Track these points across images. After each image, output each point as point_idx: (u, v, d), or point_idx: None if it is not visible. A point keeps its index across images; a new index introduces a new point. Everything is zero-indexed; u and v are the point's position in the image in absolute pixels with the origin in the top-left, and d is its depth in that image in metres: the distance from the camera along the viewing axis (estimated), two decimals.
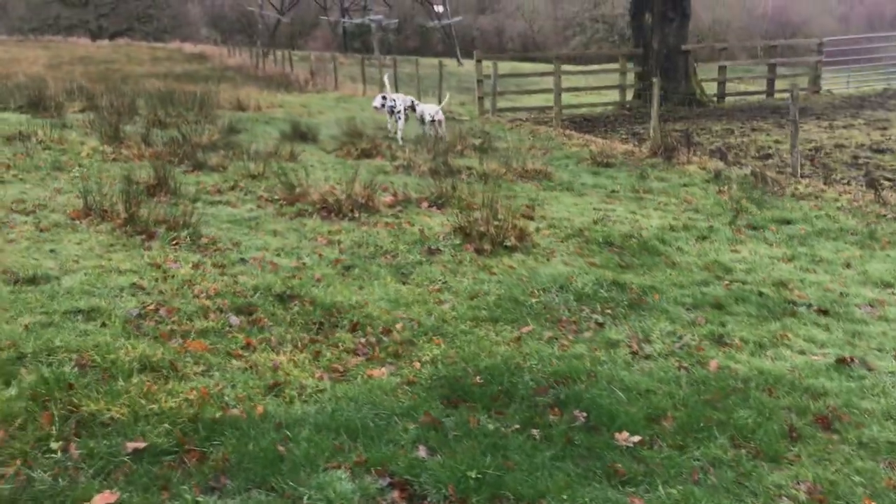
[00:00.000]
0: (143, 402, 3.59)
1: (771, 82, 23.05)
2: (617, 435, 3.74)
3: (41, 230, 6.60)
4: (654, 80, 14.51)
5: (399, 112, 14.57)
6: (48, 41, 62.75)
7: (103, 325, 4.63)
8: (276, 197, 8.47)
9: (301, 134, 14.04)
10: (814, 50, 24.00)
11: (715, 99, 22.29)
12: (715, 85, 22.54)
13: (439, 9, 67.41)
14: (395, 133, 14.43)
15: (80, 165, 9.49)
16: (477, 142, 14.20)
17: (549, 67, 23.10)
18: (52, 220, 6.88)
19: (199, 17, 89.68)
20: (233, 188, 8.92)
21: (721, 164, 12.92)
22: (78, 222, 6.92)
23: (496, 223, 7.27)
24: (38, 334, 4.37)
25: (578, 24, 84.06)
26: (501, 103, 20.61)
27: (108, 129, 12.04)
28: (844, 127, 17.78)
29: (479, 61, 20.69)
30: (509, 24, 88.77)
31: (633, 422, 3.86)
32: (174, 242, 6.47)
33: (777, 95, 22.98)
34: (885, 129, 17.13)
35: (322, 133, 14.46)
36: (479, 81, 20.51)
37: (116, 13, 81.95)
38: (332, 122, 16.41)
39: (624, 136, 17.23)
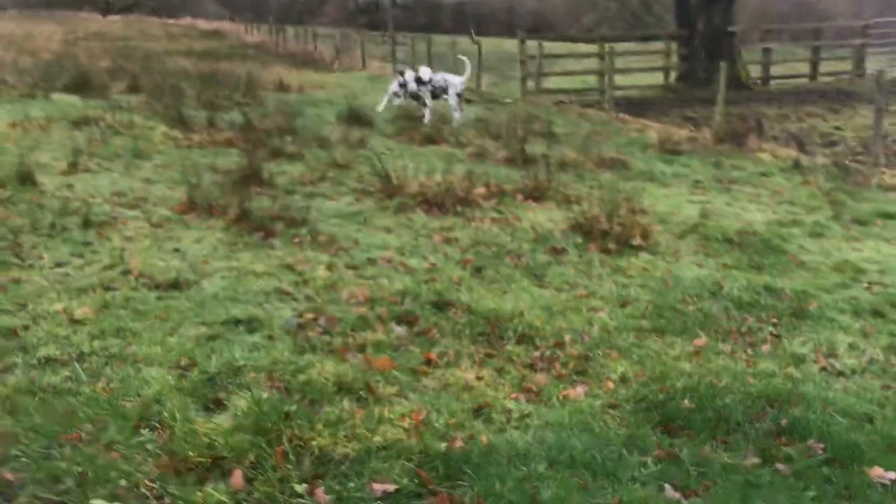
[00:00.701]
0: (365, 433, 3.30)
1: (814, 66, 22.62)
2: (869, 471, 3.46)
3: (154, 226, 6.29)
4: (722, 63, 14.06)
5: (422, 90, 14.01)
6: (60, 16, 62.09)
7: (269, 337, 4.33)
8: (372, 189, 8.15)
9: (357, 118, 13.66)
10: (857, 32, 23.52)
11: (759, 82, 21.87)
12: (759, 68, 22.11)
13: None
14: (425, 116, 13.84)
15: (158, 153, 9.15)
16: (536, 126, 13.83)
17: (590, 48, 22.71)
18: (160, 216, 6.56)
19: None
20: (322, 179, 8.58)
21: (794, 152, 12.59)
22: (187, 217, 6.61)
23: (618, 220, 6.95)
24: (211, 349, 4.07)
25: (590, 2, 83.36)
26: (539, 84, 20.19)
27: (172, 113, 11.70)
28: None
29: (522, 41, 20.26)
30: (519, 2, 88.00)
31: (878, 454, 3.57)
32: (296, 240, 6.17)
33: (819, 79, 22.58)
34: None
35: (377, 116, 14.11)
36: (523, 62, 20.10)
37: None
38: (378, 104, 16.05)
39: (677, 121, 16.84)
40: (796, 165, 11.47)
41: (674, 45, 21.69)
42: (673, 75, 21.68)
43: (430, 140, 12.12)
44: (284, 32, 41.62)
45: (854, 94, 20.47)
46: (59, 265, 5.22)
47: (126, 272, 5.17)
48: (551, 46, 32.74)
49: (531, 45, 20.94)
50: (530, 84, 19.96)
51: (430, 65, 26.43)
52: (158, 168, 8.50)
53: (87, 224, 6.07)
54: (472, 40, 54.73)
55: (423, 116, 13.76)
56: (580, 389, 4.12)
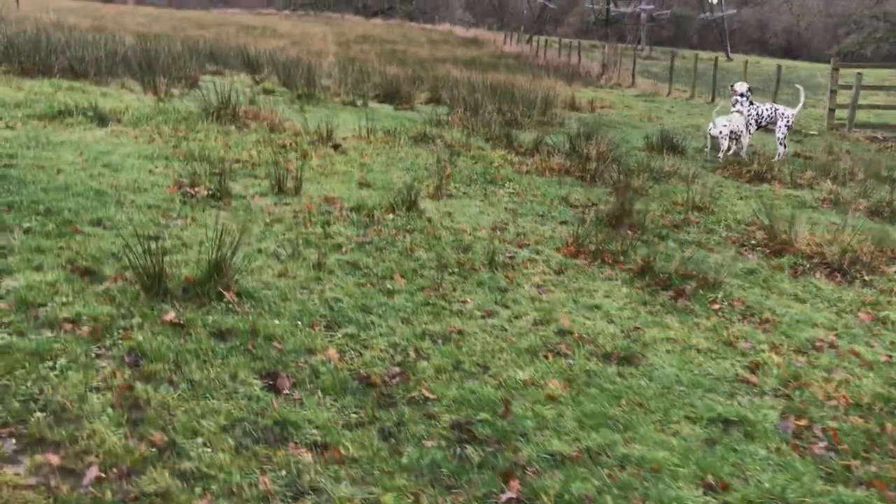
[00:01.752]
0: None
1: None
2: None
3: (556, 272, 5.86)
4: None
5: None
6: (326, 17, 66.28)
7: (776, 450, 3.65)
8: (754, 241, 7.32)
9: (670, 144, 12.81)
10: None
11: None
12: None
13: (713, 0, 63.86)
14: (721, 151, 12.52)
15: (506, 179, 8.86)
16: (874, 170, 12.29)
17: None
18: (556, 260, 6.12)
19: (457, 0, 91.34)
20: (686, 223, 7.87)
21: None
22: (578, 262, 6.13)
23: None
24: (723, 459, 3.46)
25: (855, 21, 76.57)
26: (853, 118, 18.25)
27: (494, 132, 11.50)
28: None
29: (836, 69, 18.43)
30: (773, 18, 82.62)
31: None
32: (715, 306, 5.48)
33: None
34: None
35: (689, 144, 13.19)
36: (833, 91, 18.30)
37: None
38: (679, 129, 15.09)
39: None
40: None
41: None
42: None
43: (760, 178, 11.04)
44: (540, 43, 41.52)
45: None
46: (487, 315, 4.86)
47: (562, 332, 4.71)
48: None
49: (843, 72, 18.99)
50: (836, 115, 18.16)
51: (693, 84, 25.08)
52: (514, 197, 8.17)
53: (492, 265, 5.73)
54: (728, 57, 52.10)
55: (733, 150, 12.64)
56: None
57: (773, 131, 12.99)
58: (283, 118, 10.35)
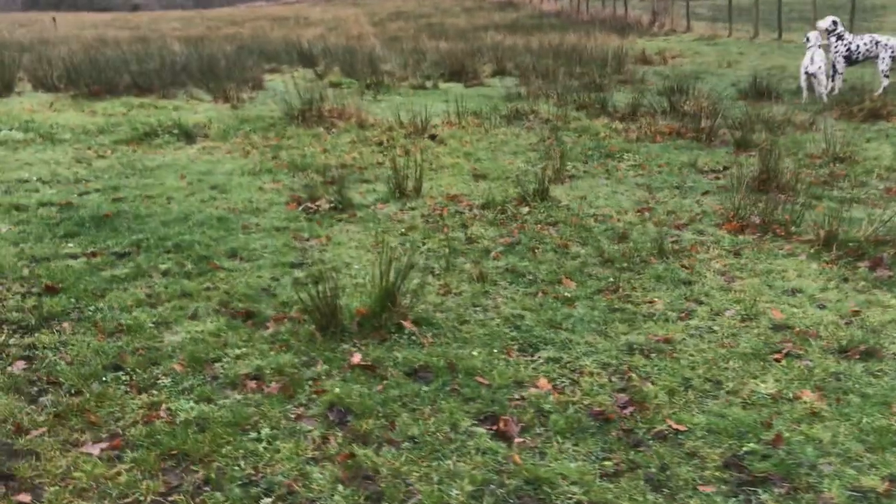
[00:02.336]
0: None
1: None
2: None
3: (733, 254, 5.29)
4: None
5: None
6: None
7: None
8: None
9: (765, 90, 12.05)
10: None
11: None
12: None
13: None
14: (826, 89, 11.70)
15: (625, 151, 8.27)
16: None
17: None
18: (726, 240, 5.55)
19: None
20: (833, 178, 7.21)
21: None
22: (747, 237, 5.56)
23: None
24: None
25: None
26: None
27: (585, 99, 10.90)
28: None
29: None
30: None
31: None
32: None
33: None
34: None
35: (782, 88, 12.41)
36: None
37: None
38: (762, 72, 14.25)
39: None
40: None
41: None
42: None
43: (875, 115, 10.26)
44: None
45: None
46: (685, 315, 4.34)
47: (776, 327, 4.17)
48: None
49: None
50: None
51: (756, 21, 23.87)
52: (638, 170, 7.60)
53: (661, 254, 5.21)
54: None
55: (830, 88, 11.88)
56: None
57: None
58: (366, 112, 9.88)
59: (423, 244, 5.48)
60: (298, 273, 4.89)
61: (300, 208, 6.20)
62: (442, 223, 5.87)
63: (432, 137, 8.71)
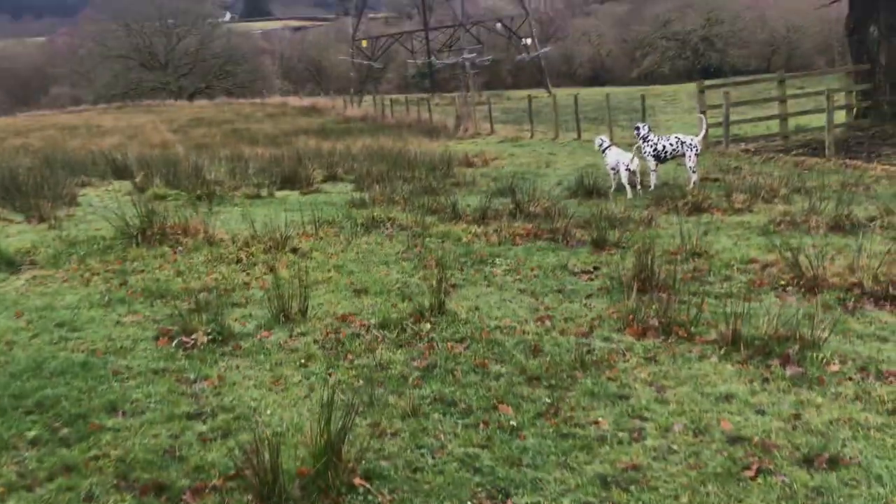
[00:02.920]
0: None
1: None
2: None
3: (648, 360, 5.20)
4: None
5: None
6: (146, 106, 63.19)
7: None
8: (783, 282, 6.99)
9: (589, 190, 12.62)
10: None
11: None
12: None
13: (527, 42, 66.64)
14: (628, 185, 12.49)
15: (494, 256, 8.16)
16: (783, 186, 12.52)
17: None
18: (639, 347, 5.46)
19: (273, 70, 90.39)
20: (699, 273, 7.47)
21: None
22: (649, 342, 5.51)
23: None
24: None
25: (648, 44, 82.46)
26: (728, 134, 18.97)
27: (437, 204, 10.83)
28: None
29: (702, 91, 19.19)
30: (577, 51, 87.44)
31: None
32: (831, 368, 4.99)
33: None
34: None
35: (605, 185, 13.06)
36: (703, 112, 18.96)
37: (194, 73, 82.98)
38: (581, 171, 14.99)
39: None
40: None
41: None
42: (842, 114, 20.33)
43: (699, 208, 10.97)
44: (382, 103, 41.36)
45: None
46: (638, 436, 4.13)
47: (733, 439, 4.05)
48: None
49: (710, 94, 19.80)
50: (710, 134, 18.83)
51: (556, 123, 25.52)
52: (513, 275, 7.49)
53: (583, 366, 5.02)
54: (549, 93, 54.45)
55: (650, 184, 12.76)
56: None
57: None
58: (210, 227, 9.18)
59: (329, 376, 4.96)
60: (200, 426, 4.22)
61: (173, 344, 5.47)
62: (343, 349, 5.38)
63: (294, 251, 8.20)
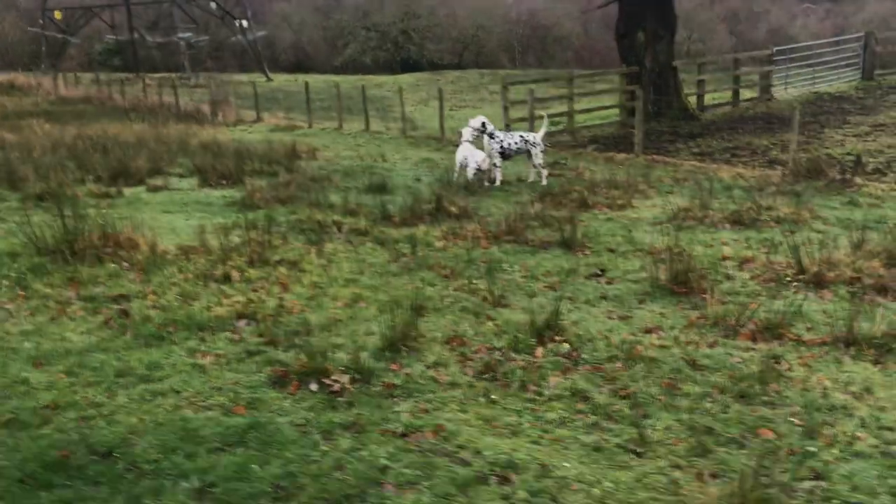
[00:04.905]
0: None
1: (736, 93, 24.48)
2: None
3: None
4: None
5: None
6: None
7: None
8: (788, 278, 7.46)
9: (462, 186, 12.53)
10: (765, 60, 25.77)
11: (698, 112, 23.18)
12: (694, 98, 23.46)
13: (243, 23, 64.17)
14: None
15: (498, 261, 7.73)
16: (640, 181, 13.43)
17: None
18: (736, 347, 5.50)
19: None
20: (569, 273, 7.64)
21: None
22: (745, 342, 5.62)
23: None
24: None
25: (350, 33, 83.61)
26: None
27: (365, 207, 10.01)
28: (868, 133, 18.98)
29: (505, 87, 19.88)
30: (279, 36, 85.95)
31: None
32: None
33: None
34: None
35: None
36: (506, 108, 19.67)
37: None
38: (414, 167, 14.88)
39: (699, 158, 17.11)
40: None
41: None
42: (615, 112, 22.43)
43: (584, 203, 11.35)
44: (107, 82, 37.46)
45: (775, 116, 22.26)
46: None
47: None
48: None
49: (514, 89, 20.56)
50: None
51: (340, 113, 25.06)
52: (536, 282, 7.19)
53: (763, 380, 4.97)
54: (267, 78, 53.38)
55: (493, 179, 12.91)
56: None
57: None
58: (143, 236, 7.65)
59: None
60: None
61: (312, 388, 4.49)
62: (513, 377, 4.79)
63: (279, 262, 7.12)
